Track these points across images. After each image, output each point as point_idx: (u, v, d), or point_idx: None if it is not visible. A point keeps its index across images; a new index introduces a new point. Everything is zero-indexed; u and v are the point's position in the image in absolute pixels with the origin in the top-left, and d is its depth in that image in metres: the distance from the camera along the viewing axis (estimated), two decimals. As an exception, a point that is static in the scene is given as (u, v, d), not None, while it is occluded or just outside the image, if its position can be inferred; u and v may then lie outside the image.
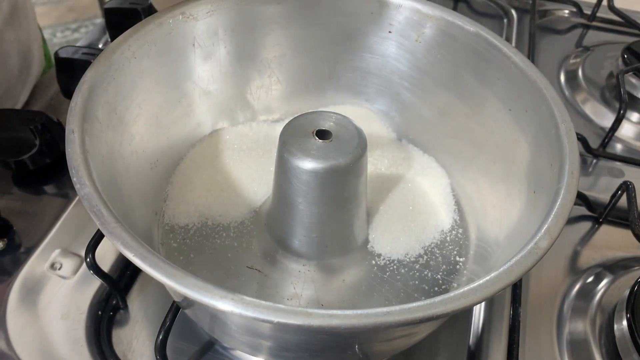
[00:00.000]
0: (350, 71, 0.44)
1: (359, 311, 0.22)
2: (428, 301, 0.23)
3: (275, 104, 0.45)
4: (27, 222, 0.40)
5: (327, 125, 0.33)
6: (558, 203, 0.27)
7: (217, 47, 0.39)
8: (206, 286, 0.22)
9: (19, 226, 0.40)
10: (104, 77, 0.32)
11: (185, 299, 0.30)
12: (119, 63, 0.33)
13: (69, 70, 0.48)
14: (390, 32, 0.41)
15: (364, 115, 0.45)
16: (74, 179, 0.26)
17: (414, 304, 0.22)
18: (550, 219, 0.27)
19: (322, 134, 0.33)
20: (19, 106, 0.52)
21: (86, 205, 0.25)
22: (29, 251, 0.39)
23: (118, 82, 0.33)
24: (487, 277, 0.24)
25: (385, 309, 0.22)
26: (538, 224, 0.27)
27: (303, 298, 0.34)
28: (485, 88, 0.37)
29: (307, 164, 0.32)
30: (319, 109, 0.42)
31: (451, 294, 0.23)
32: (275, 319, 0.22)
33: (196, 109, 0.41)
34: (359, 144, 0.33)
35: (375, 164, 0.42)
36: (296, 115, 0.34)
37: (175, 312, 0.34)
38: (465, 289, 0.24)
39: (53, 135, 0.42)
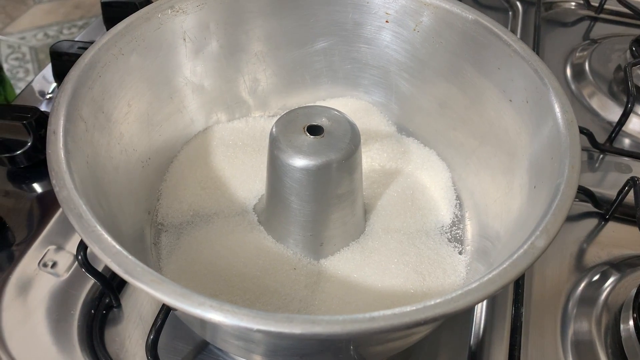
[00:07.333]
0: (347, 63, 0.43)
1: (343, 317, 0.21)
2: (414, 306, 0.22)
3: (271, 99, 0.44)
4: (20, 219, 0.40)
5: (319, 120, 0.32)
6: (557, 199, 0.26)
7: (208, 41, 0.38)
8: (184, 293, 0.21)
9: (11, 223, 0.40)
10: (89, 75, 0.31)
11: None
12: (105, 60, 0.32)
13: (64, 65, 0.48)
14: (387, 21, 0.39)
15: (363, 107, 0.44)
16: (53, 182, 0.25)
17: (400, 309, 0.21)
18: (548, 217, 0.25)
19: (314, 130, 0.32)
20: None
21: (64, 208, 0.24)
22: (22, 248, 0.38)
23: (104, 80, 0.32)
24: (481, 280, 0.23)
25: (370, 314, 0.21)
26: (537, 220, 0.26)
27: (298, 298, 0.33)
28: (485, 78, 0.36)
29: (298, 161, 0.31)
30: (316, 103, 0.40)
31: (440, 298, 0.22)
32: (255, 326, 0.21)
33: (189, 105, 0.40)
34: (352, 140, 0.32)
35: (374, 157, 0.41)
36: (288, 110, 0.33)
37: (167, 311, 0.33)
38: (457, 293, 0.23)
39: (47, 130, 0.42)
